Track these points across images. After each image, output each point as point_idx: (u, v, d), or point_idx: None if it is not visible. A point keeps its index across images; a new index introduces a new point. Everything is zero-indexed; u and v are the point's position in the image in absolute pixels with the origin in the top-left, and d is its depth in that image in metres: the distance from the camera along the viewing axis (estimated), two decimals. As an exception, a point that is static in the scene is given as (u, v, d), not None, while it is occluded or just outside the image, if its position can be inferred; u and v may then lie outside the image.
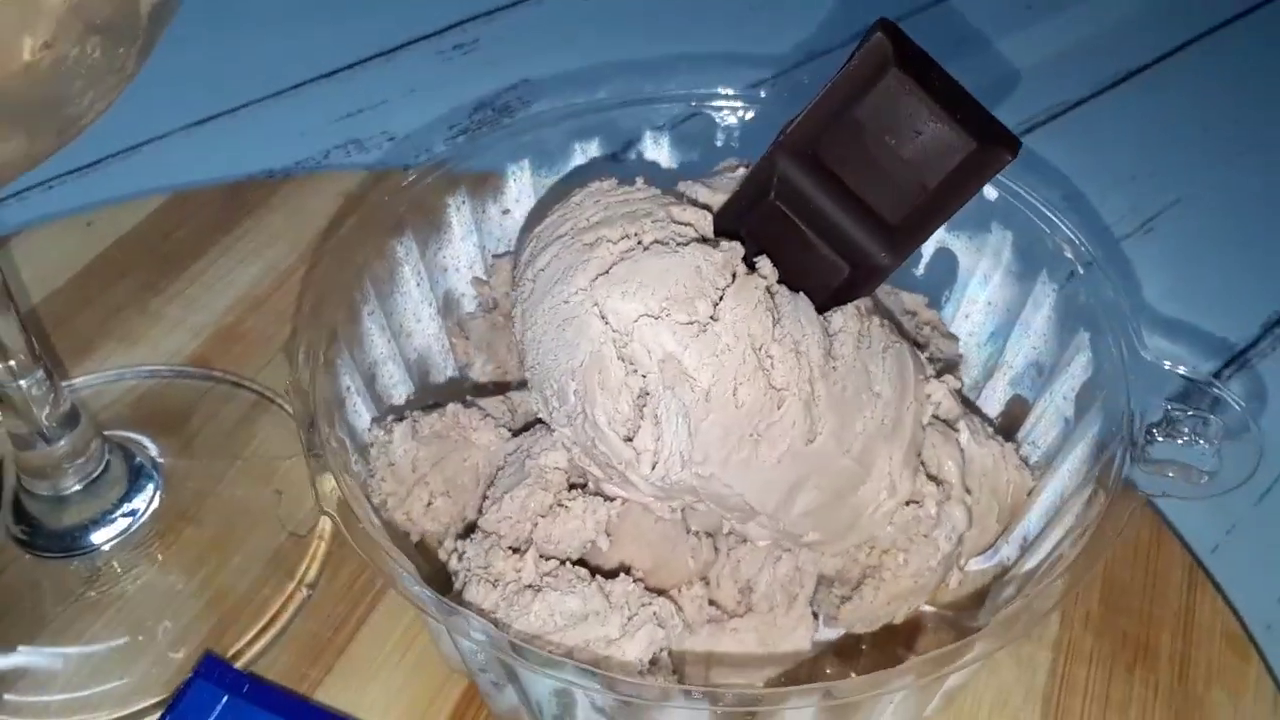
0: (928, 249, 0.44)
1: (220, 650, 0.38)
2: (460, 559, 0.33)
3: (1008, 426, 0.42)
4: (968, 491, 0.36)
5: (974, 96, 0.32)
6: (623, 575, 0.32)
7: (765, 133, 0.41)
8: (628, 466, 0.31)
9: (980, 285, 0.43)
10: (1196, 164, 0.67)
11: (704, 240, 0.32)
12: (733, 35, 0.76)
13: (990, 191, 0.41)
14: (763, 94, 0.46)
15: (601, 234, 0.32)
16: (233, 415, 0.46)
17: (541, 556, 0.32)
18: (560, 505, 0.32)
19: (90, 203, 0.58)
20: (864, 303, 0.35)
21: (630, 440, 0.31)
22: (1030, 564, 0.37)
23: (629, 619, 0.31)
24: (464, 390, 0.42)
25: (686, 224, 0.33)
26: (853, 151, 0.33)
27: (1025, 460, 0.40)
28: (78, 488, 0.39)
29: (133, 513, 0.41)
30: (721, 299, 0.31)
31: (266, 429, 0.46)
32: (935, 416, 0.36)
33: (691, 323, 0.31)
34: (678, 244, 0.32)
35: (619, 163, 0.45)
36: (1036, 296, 0.41)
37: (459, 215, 0.43)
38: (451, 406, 0.35)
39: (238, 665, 0.38)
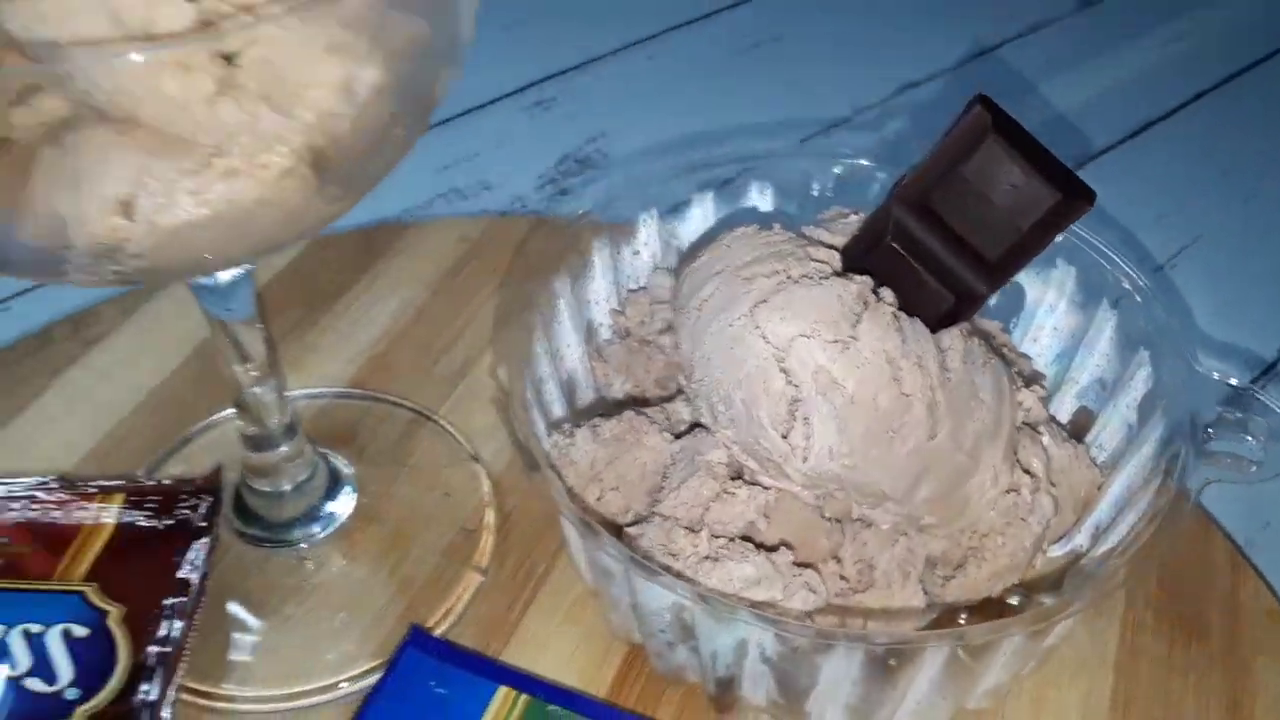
0: (1000, 282, 0.51)
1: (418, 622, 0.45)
2: (639, 540, 0.40)
3: (1076, 433, 0.49)
4: (1052, 484, 0.43)
5: (1056, 156, 0.39)
6: (783, 548, 0.39)
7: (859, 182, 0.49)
8: (784, 460, 0.38)
9: (1047, 313, 0.50)
10: (1214, 205, 0.75)
11: (839, 274, 0.40)
12: (787, 96, 0.84)
13: (1058, 233, 0.48)
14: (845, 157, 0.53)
15: (756, 270, 0.39)
16: (394, 430, 0.53)
17: (712, 535, 0.39)
18: (726, 492, 0.39)
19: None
20: (964, 325, 0.42)
21: (786, 437, 0.38)
22: (1103, 548, 0.44)
23: (787, 584, 0.38)
24: (604, 407, 0.49)
25: (822, 261, 0.40)
26: (957, 201, 0.40)
27: (1094, 460, 0.47)
28: (290, 487, 0.46)
29: (332, 512, 0.48)
30: (859, 322, 0.38)
31: (426, 441, 0.53)
32: (1024, 421, 0.43)
33: (837, 341, 0.38)
34: (820, 277, 0.39)
35: (730, 207, 0.52)
36: (1098, 322, 0.48)
37: (600, 256, 0.50)
38: (628, 413, 0.42)
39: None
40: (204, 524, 0.45)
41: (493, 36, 0.87)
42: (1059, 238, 0.45)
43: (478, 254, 0.63)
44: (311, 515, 0.47)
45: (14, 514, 0.46)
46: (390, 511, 0.49)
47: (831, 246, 0.42)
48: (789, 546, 0.39)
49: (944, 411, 0.39)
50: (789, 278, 0.39)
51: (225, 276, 0.39)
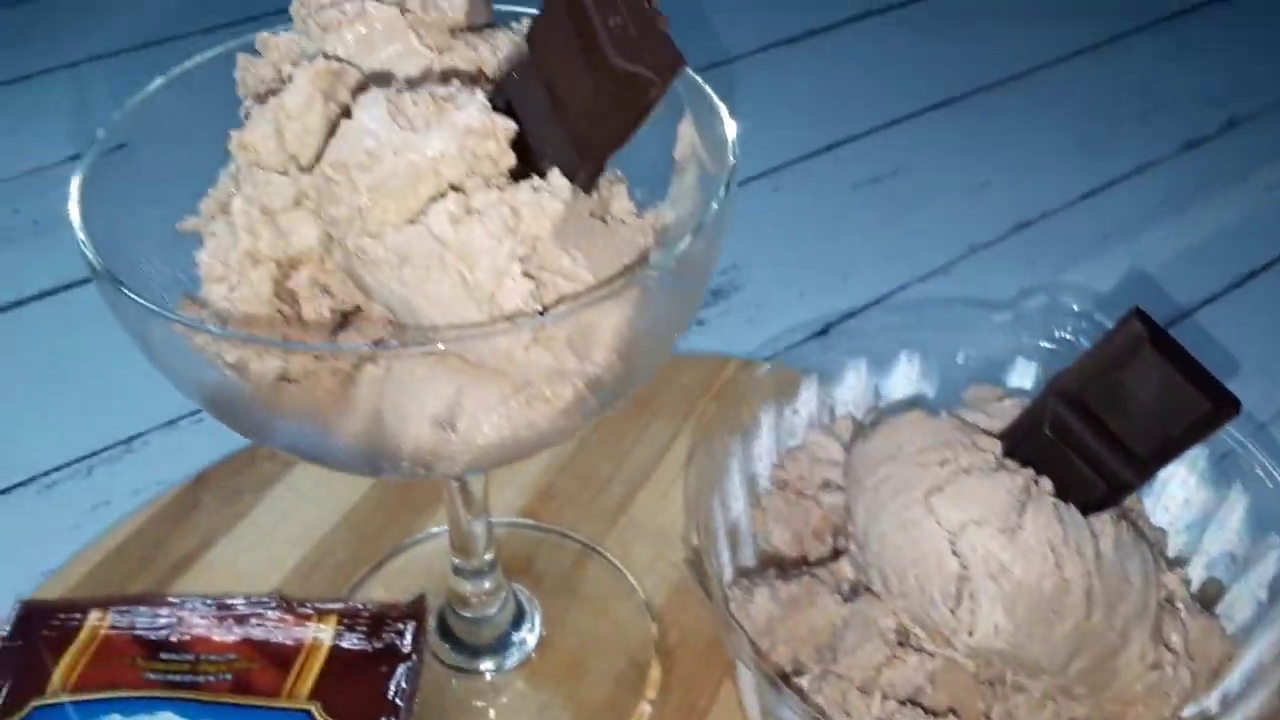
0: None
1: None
2: (814, 695, 0.44)
3: (1206, 601, 0.52)
4: (1190, 658, 0.47)
5: (1204, 366, 0.44)
6: (949, 714, 0.43)
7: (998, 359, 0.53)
8: (952, 632, 0.43)
9: (1179, 487, 0.54)
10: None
11: (1004, 466, 0.44)
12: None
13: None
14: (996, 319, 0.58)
15: (928, 458, 0.44)
16: (566, 560, 0.58)
17: (884, 696, 0.43)
18: (897, 658, 0.44)
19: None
20: (1114, 510, 0.46)
21: (955, 612, 0.42)
22: (1234, 718, 0.47)
23: (953, 748, 0.42)
24: (762, 557, 0.54)
25: (986, 450, 0.45)
26: (1111, 399, 0.45)
27: (1224, 631, 0.50)
28: (488, 616, 0.51)
29: (521, 641, 0.53)
30: (1024, 511, 0.43)
31: (594, 572, 0.58)
32: (1165, 598, 0.47)
33: (1006, 529, 0.42)
34: (988, 468, 0.44)
35: (881, 373, 0.58)
36: (1230, 500, 0.52)
37: (767, 415, 0.55)
38: (806, 578, 0.47)
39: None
40: (410, 649, 0.51)
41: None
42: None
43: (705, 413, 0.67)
44: (503, 643, 0.52)
45: (240, 630, 0.51)
46: (565, 641, 0.54)
47: (991, 433, 0.47)
48: (954, 713, 0.44)
49: (1099, 594, 0.43)
50: (960, 467, 0.44)
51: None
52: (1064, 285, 0.62)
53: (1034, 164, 0.95)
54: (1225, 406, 0.43)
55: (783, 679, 0.46)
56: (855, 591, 0.48)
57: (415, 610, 0.52)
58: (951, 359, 0.58)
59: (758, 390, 0.54)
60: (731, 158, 0.37)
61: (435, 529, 0.59)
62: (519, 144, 0.33)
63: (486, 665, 0.52)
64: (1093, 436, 0.45)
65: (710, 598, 0.45)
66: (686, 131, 0.41)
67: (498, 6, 0.42)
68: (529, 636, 0.53)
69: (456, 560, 0.50)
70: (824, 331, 0.77)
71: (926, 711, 0.43)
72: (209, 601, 0.52)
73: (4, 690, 0.49)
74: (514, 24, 0.41)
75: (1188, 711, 0.50)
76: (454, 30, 0.37)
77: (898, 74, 1.06)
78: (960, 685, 0.44)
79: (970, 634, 0.42)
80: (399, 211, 0.32)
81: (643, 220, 0.37)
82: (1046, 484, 0.44)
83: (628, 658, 0.54)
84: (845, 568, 0.48)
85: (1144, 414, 0.44)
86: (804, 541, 0.53)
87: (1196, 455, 0.53)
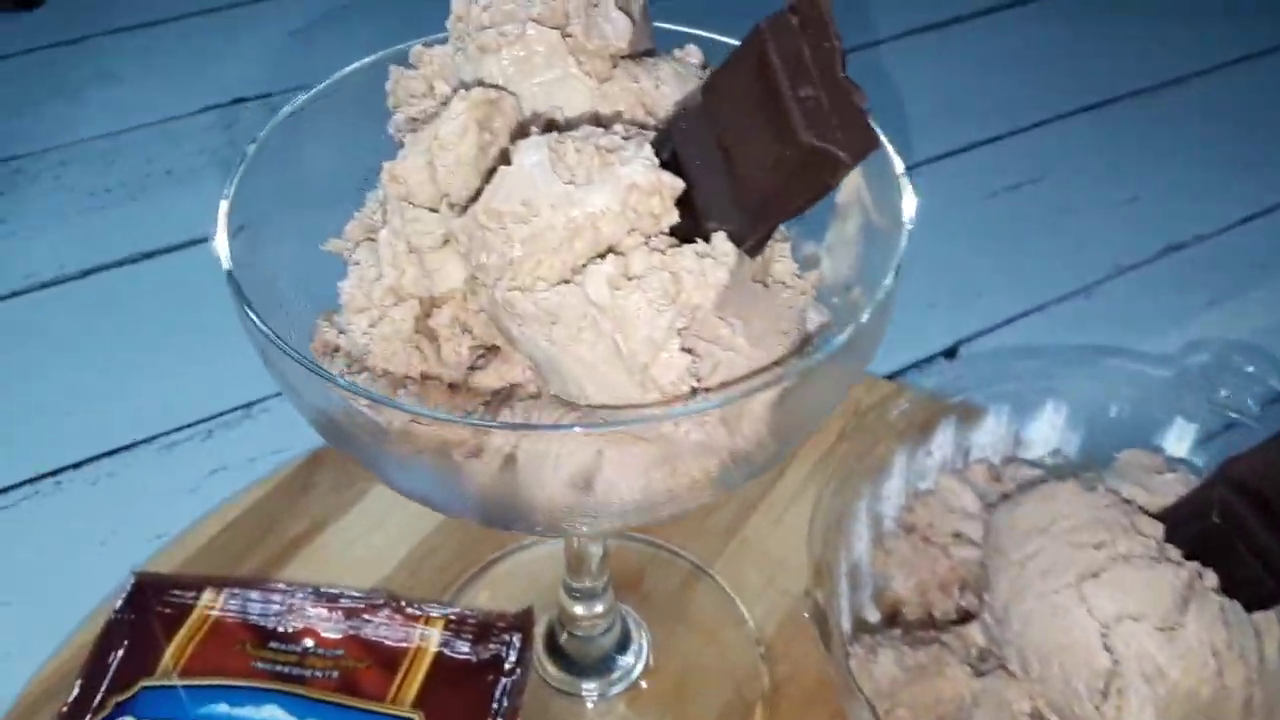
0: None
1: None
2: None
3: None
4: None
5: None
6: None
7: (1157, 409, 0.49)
8: (1093, 727, 0.40)
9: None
10: None
11: (1166, 556, 0.41)
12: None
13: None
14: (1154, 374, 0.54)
15: (1083, 539, 0.41)
16: (675, 580, 0.57)
17: (1009, 782, 0.41)
18: (1029, 744, 0.41)
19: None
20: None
21: (1099, 708, 0.40)
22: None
23: None
24: (883, 603, 0.52)
25: (1149, 536, 0.42)
26: (1293, 495, 0.41)
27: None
28: (597, 635, 0.50)
29: (628, 664, 0.52)
30: (1187, 609, 0.40)
31: (703, 595, 0.56)
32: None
33: (1165, 628, 0.39)
34: (1149, 557, 0.41)
35: (1023, 419, 0.54)
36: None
37: (901, 456, 0.52)
38: (934, 648, 0.45)
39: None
40: (515, 662, 0.50)
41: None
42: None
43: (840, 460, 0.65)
44: (609, 666, 0.51)
45: (349, 625, 0.51)
46: (671, 666, 0.53)
47: (1150, 513, 0.43)
48: (1082, 806, 0.41)
49: (1259, 703, 0.40)
50: (1118, 553, 0.41)
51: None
52: (1235, 343, 0.57)
53: (1188, 180, 0.88)
54: None
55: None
56: (984, 660, 0.45)
57: (523, 622, 0.51)
58: (1102, 412, 0.54)
59: (892, 429, 0.51)
60: (907, 223, 0.34)
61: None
62: (683, 199, 0.31)
63: (589, 687, 0.51)
64: (1266, 530, 0.41)
65: (830, 652, 0.43)
66: (852, 176, 0.38)
67: (660, 24, 0.39)
68: (635, 662, 0.52)
69: (569, 579, 0.49)
70: (953, 351, 0.74)
71: (1055, 806, 0.41)
72: (320, 591, 0.52)
73: (112, 664, 0.50)
74: (677, 51, 0.38)
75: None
76: (615, 58, 0.35)
77: (1045, 70, 1.00)
78: (1093, 778, 0.42)
79: (1111, 731, 0.40)
80: (553, 267, 0.30)
81: (803, 281, 0.34)
82: (1211, 578, 0.41)
83: (735, 689, 0.52)
84: (976, 634, 0.46)
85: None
86: (928, 592, 0.51)
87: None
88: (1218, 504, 0.42)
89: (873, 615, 0.52)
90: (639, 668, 0.52)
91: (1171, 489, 0.44)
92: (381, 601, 0.52)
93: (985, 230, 0.84)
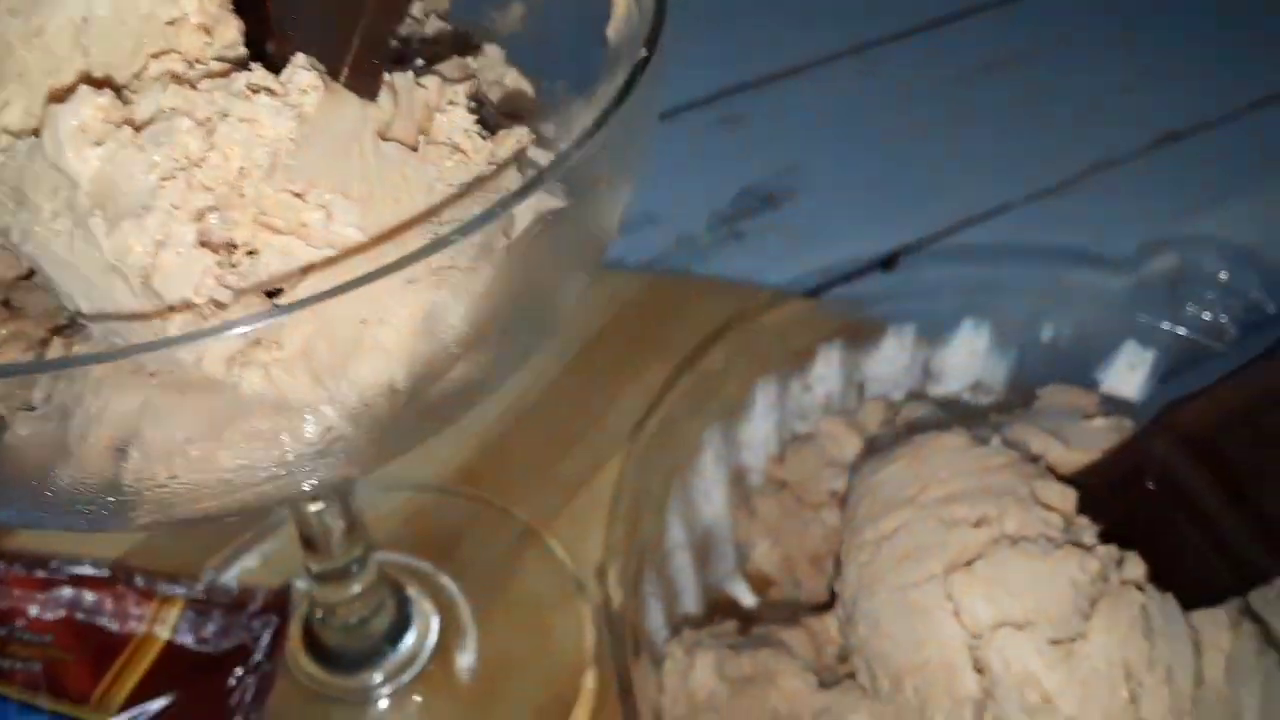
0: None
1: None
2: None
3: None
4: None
5: None
6: None
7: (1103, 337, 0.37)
8: (959, 775, 0.29)
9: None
10: None
11: (1075, 538, 0.29)
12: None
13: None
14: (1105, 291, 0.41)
15: (959, 514, 0.30)
16: (500, 545, 0.46)
17: (848, 843, 0.30)
18: (874, 794, 0.30)
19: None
20: (1235, 605, 0.31)
21: (967, 748, 0.29)
22: None
23: None
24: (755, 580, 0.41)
25: (1051, 508, 0.30)
26: (1260, 449, 0.29)
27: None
28: (360, 621, 0.40)
29: (408, 652, 0.41)
30: (1094, 614, 0.28)
31: (533, 565, 0.45)
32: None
33: (1059, 641, 0.28)
34: (1048, 539, 0.29)
35: (933, 347, 0.42)
36: None
37: (764, 393, 0.41)
38: (764, 653, 0.34)
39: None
40: (265, 654, 0.39)
41: (680, 30, 0.77)
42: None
43: (628, 319, 0.54)
44: (382, 657, 0.40)
45: (64, 607, 0.41)
46: (478, 655, 0.42)
47: (1065, 477, 0.31)
48: None
49: (1192, 744, 0.28)
50: (1004, 533, 0.29)
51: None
52: (1207, 240, 0.45)
53: (1195, 63, 0.74)
54: None
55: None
56: (848, 661, 0.34)
57: (278, 603, 0.41)
58: (1034, 335, 0.42)
59: (755, 356, 0.40)
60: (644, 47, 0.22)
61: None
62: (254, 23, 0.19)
63: (355, 685, 0.40)
64: (1222, 501, 0.30)
65: (614, 657, 0.32)
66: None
67: None
68: (418, 651, 0.41)
69: (306, 560, 0.38)
70: (891, 260, 0.61)
71: None
72: (37, 561, 0.42)
73: None
74: None
75: None
76: None
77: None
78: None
79: (986, 779, 0.29)
80: (17, 109, 0.19)
81: (491, 143, 0.22)
82: (1135, 566, 0.29)
83: (552, 686, 0.41)
84: (833, 627, 0.35)
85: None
86: (796, 567, 0.40)
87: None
88: (1156, 464, 0.30)
89: (746, 596, 0.41)
90: (422, 659, 0.41)
91: (1099, 440, 0.33)
92: (108, 576, 0.41)
93: (951, 120, 0.71)
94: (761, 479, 0.42)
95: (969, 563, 0.29)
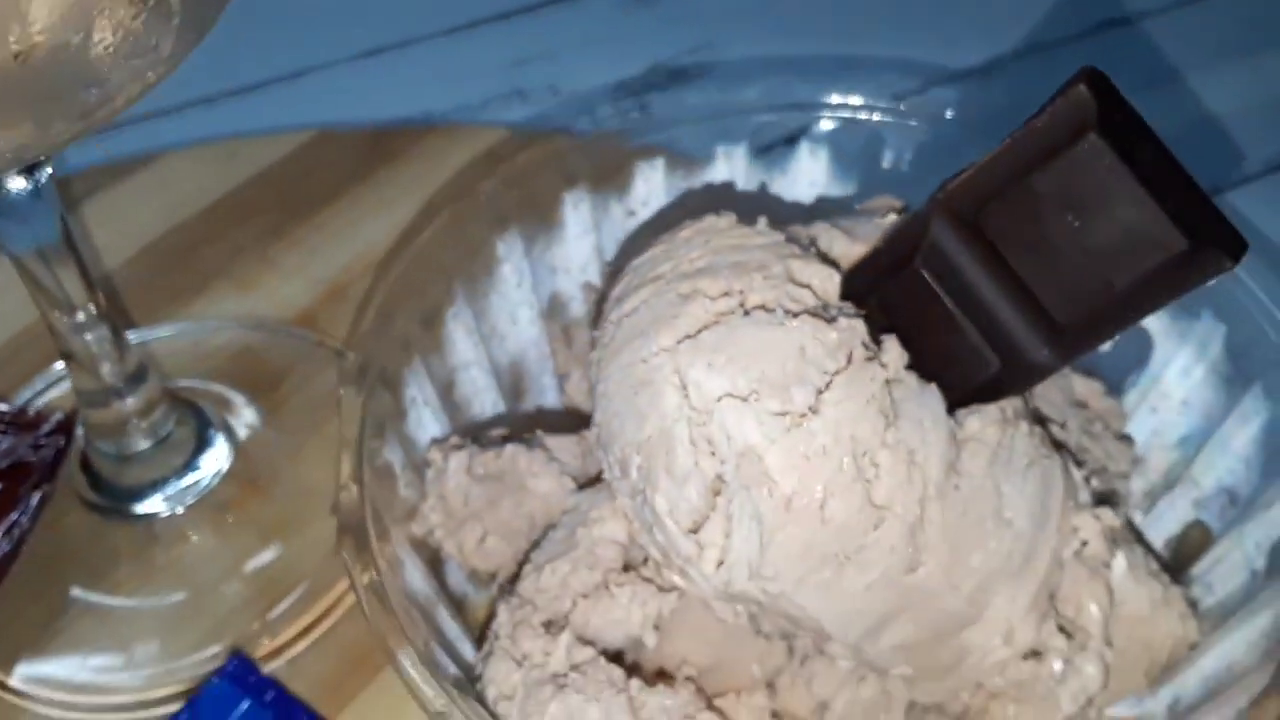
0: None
1: (260, 642, 0.36)
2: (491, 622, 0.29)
3: (1180, 555, 0.35)
4: (1109, 644, 0.30)
5: (1194, 180, 0.25)
6: (662, 686, 0.27)
7: (945, 160, 0.34)
8: (687, 562, 0.27)
9: (1178, 379, 0.35)
10: None
11: (820, 312, 0.27)
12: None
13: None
14: (949, 114, 0.39)
15: (700, 285, 0.27)
16: (325, 385, 0.44)
17: (579, 640, 0.28)
18: (606, 588, 0.28)
19: (245, 129, 0.57)
20: (1011, 404, 0.29)
21: (695, 533, 0.26)
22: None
23: (660, 740, 0.27)
24: (555, 408, 0.39)
25: (805, 285, 0.28)
26: (1024, 227, 0.27)
27: (1194, 604, 0.33)
28: (144, 447, 0.38)
29: (197, 478, 0.39)
30: (828, 387, 0.26)
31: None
32: (1079, 553, 0.29)
33: (784, 413, 0.25)
34: (786, 312, 0.26)
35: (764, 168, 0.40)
36: (1245, 410, 0.33)
37: (576, 213, 0.38)
38: (510, 448, 0.31)
39: (278, 660, 0.36)
40: (45, 473, 0.38)
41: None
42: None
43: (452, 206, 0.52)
44: (169, 482, 0.39)
45: None
46: (280, 487, 0.40)
47: (836, 263, 0.29)
48: (688, 668, 0.28)
49: (936, 535, 0.26)
50: (741, 305, 0.27)
51: (15, 185, 0.30)
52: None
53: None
54: (1215, 248, 0.25)
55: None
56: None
57: (70, 425, 0.39)
58: (874, 158, 0.39)
59: (558, 180, 0.37)
60: None
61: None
62: None
63: (146, 509, 0.38)
64: (989, 282, 0.27)
65: (354, 456, 0.30)
66: None
67: None
68: (206, 476, 0.39)
69: (75, 378, 0.35)
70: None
71: (633, 669, 0.28)
72: None
73: None
74: None
75: (1120, 710, 0.33)
76: None
77: None
78: (711, 635, 0.29)
79: (716, 567, 0.26)
80: None
81: None
82: (892, 350, 0.27)
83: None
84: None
85: (1076, 253, 0.26)
86: (606, 396, 0.37)
87: (1209, 336, 0.34)
88: (925, 245, 0.28)
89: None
90: (211, 483, 0.39)
91: (881, 232, 0.30)
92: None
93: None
94: (583, 309, 0.40)
95: (696, 334, 0.26)
